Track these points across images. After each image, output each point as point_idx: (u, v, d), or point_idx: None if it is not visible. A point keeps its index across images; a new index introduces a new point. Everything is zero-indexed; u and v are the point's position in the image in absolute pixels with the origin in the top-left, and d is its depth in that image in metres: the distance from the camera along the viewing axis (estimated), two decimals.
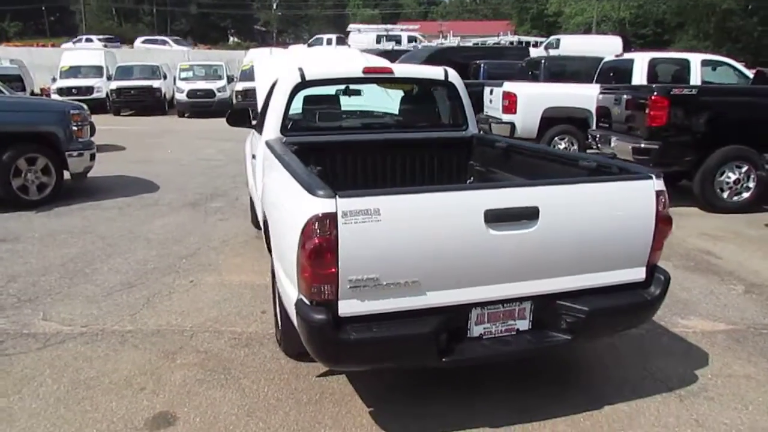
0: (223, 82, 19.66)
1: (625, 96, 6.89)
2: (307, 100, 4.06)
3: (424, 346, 2.35)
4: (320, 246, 2.17)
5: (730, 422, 2.68)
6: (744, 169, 6.45)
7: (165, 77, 20.53)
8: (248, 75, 16.11)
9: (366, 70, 4.10)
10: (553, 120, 8.96)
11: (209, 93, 18.97)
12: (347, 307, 2.27)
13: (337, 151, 3.98)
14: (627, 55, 9.25)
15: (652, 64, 8.60)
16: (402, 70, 4.14)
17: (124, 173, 8.82)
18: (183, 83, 19.31)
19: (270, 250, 3.18)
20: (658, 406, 2.80)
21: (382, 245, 2.23)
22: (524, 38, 27.27)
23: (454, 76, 4.23)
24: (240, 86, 17.78)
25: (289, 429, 2.62)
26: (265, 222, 3.47)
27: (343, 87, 4.31)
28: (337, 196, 2.18)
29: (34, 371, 3.11)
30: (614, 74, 9.05)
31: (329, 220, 2.16)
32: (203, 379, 3.06)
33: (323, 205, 2.17)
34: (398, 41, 25.98)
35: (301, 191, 2.32)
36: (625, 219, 2.56)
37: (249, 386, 2.99)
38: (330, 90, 4.36)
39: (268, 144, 3.65)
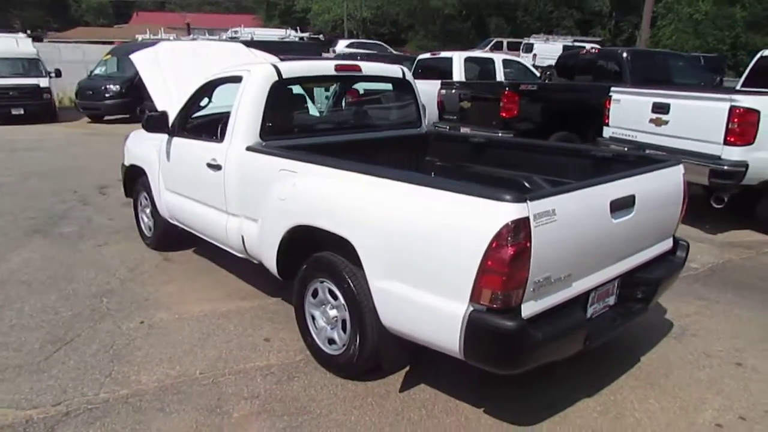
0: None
1: (471, 92, 7.71)
2: (280, 100, 3.69)
3: (582, 334, 2.50)
4: (516, 252, 2.14)
5: None
6: None
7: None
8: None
9: (338, 68, 3.91)
10: None
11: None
12: (528, 308, 2.28)
13: (328, 153, 3.72)
14: (443, 54, 10.24)
15: (467, 62, 9.72)
16: (368, 67, 4.04)
17: None
18: None
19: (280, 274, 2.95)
20: None
21: (556, 244, 2.30)
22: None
23: (409, 75, 4.31)
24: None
25: None
26: (290, 240, 3.12)
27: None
28: (528, 200, 2.16)
29: None
30: (432, 71, 9.94)
31: (523, 225, 2.15)
32: (290, 426, 2.66)
33: (516, 210, 2.14)
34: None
35: (473, 199, 2.23)
36: (672, 196, 3.06)
37: (347, 419, 2.71)
38: (298, 89, 4.02)
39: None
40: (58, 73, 15.33)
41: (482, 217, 2.19)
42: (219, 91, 4.21)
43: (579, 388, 2.96)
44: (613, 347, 3.31)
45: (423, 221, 2.40)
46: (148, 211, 5.04)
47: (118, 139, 6.45)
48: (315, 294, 3.13)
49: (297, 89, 3.99)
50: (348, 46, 24.20)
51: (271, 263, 3.38)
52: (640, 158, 3.41)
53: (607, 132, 6.75)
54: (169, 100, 4.64)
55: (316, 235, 2.96)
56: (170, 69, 4.79)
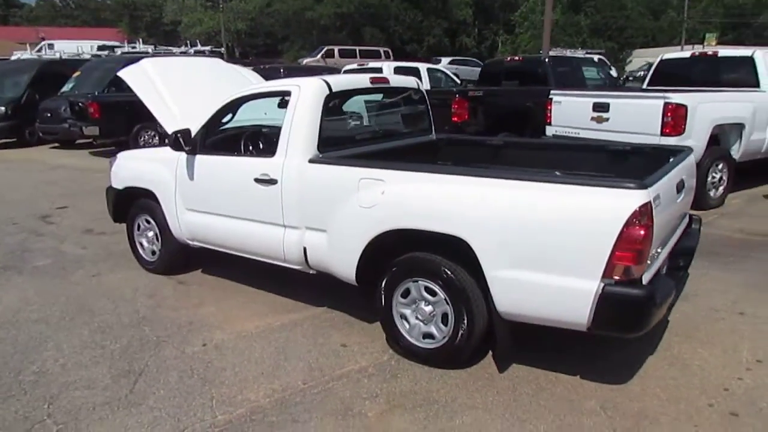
0: None
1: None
2: (331, 112, 3.81)
3: (671, 298, 2.96)
4: (645, 231, 2.55)
5: None
6: None
7: None
8: None
9: (372, 80, 4.11)
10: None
11: None
12: (645, 279, 2.70)
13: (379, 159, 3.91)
14: (372, 65, 10.61)
15: (395, 72, 10.16)
16: (395, 80, 4.29)
17: None
18: None
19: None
20: None
21: (660, 221, 2.74)
22: None
23: (422, 86, 4.61)
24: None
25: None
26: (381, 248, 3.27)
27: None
28: (648, 186, 2.58)
29: None
30: None
31: (648, 208, 2.55)
32: (429, 416, 2.83)
33: (643, 195, 2.55)
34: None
35: (602, 189, 2.60)
36: (694, 179, 3.66)
37: (474, 401, 2.94)
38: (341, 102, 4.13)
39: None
40: None
41: (614, 204, 2.56)
42: (242, 107, 4.22)
43: (639, 347, 3.45)
44: None
45: (549, 213, 2.72)
46: (150, 234, 4.82)
47: (16, 165, 6.02)
48: (405, 294, 3.31)
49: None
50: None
51: (347, 271, 3.49)
52: (655, 149, 4.00)
53: (550, 130, 7.51)
54: (172, 116, 4.52)
55: (413, 237, 3.15)
56: (164, 85, 4.66)
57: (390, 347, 3.51)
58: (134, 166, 4.82)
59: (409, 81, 4.51)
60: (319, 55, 29.58)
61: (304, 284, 4.31)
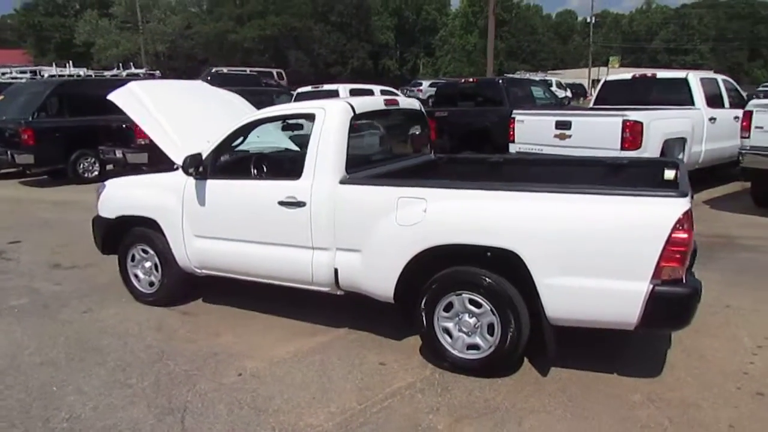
0: None
1: None
2: (355, 134, 3.87)
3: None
4: (688, 235, 2.81)
5: None
6: None
7: None
8: None
9: (386, 102, 4.23)
10: None
11: None
12: (684, 278, 2.96)
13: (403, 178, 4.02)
14: (327, 87, 10.68)
15: (352, 93, 10.32)
16: (403, 102, 4.42)
17: None
18: None
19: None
20: None
21: None
22: None
23: (422, 108, 4.78)
24: None
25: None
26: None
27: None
28: (687, 195, 2.84)
29: None
30: None
31: (689, 214, 2.82)
32: (497, 423, 2.93)
33: (685, 203, 2.81)
34: None
35: (649, 199, 2.84)
36: None
37: (532, 405, 3.07)
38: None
39: None
40: None
41: (661, 211, 2.81)
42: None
43: (654, 343, 3.73)
44: None
45: (597, 222, 2.93)
46: (147, 265, 4.62)
47: None
48: (448, 308, 3.40)
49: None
50: None
51: (385, 289, 3.54)
52: (650, 161, 4.36)
53: (513, 148, 7.91)
54: (172, 142, 4.41)
55: (455, 252, 3.27)
56: (157, 109, 4.53)
57: (428, 362, 3.58)
58: (130, 194, 4.62)
59: (413, 103, 4.66)
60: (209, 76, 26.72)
61: (315, 307, 4.32)
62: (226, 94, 5.62)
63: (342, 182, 3.63)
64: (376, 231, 3.49)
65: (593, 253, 2.95)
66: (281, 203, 3.78)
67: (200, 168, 4.04)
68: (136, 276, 4.71)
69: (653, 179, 3.99)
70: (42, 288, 5.24)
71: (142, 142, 10.09)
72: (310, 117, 3.81)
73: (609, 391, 3.20)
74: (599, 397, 3.14)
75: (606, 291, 2.95)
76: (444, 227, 3.29)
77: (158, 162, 10.23)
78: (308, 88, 10.90)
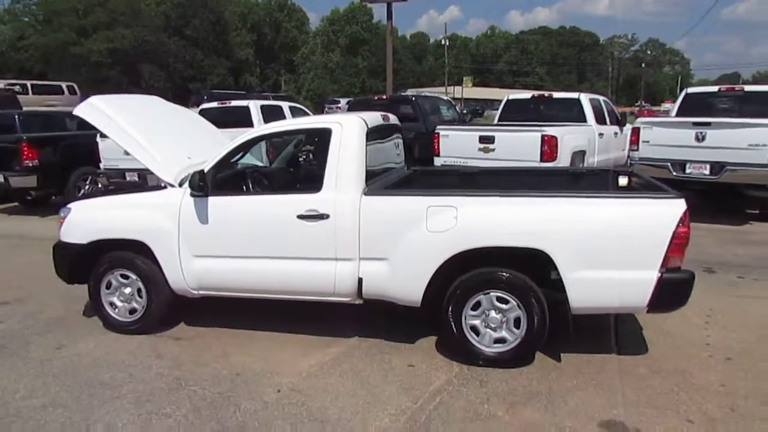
0: None
1: None
2: (368, 147, 4.02)
3: None
4: (688, 229, 3.40)
5: None
6: None
7: None
8: None
9: (383, 118, 4.43)
10: None
11: None
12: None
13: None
14: (235, 103, 10.42)
15: (263, 110, 10.22)
16: (391, 117, 4.64)
17: None
18: None
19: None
20: None
21: None
22: None
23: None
24: None
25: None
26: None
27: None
28: (683, 197, 3.45)
29: None
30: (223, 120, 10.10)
31: (687, 212, 3.42)
32: (545, 405, 3.27)
33: (684, 202, 3.40)
34: None
35: (657, 200, 3.39)
36: None
37: (565, 387, 3.46)
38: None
39: None
40: None
41: (668, 210, 3.38)
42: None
43: (632, 324, 4.35)
44: None
45: (616, 220, 3.44)
46: (127, 291, 4.30)
47: None
48: (476, 307, 3.70)
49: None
50: None
51: (413, 295, 3.74)
52: (602, 171, 5.04)
53: (438, 161, 8.45)
54: (150, 155, 4.21)
55: (484, 255, 3.58)
56: (126, 121, 4.30)
57: (452, 360, 3.81)
58: (107, 216, 4.27)
59: (395, 118, 4.90)
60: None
61: (313, 319, 4.42)
62: (182, 108, 5.42)
63: (366, 194, 3.77)
64: (405, 239, 3.68)
65: (612, 248, 3.44)
66: (301, 217, 3.81)
67: (205, 185, 3.91)
68: (112, 304, 4.36)
69: (610, 185, 4.66)
70: None
71: (30, 164, 9.09)
72: (326, 132, 3.90)
73: (619, 368, 3.71)
74: (613, 373, 3.63)
75: (623, 280, 3.45)
76: (476, 232, 3.59)
77: (48, 186, 9.37)
78: (214, 104, 10.52)
